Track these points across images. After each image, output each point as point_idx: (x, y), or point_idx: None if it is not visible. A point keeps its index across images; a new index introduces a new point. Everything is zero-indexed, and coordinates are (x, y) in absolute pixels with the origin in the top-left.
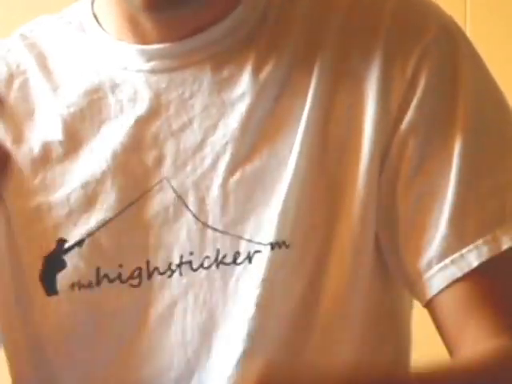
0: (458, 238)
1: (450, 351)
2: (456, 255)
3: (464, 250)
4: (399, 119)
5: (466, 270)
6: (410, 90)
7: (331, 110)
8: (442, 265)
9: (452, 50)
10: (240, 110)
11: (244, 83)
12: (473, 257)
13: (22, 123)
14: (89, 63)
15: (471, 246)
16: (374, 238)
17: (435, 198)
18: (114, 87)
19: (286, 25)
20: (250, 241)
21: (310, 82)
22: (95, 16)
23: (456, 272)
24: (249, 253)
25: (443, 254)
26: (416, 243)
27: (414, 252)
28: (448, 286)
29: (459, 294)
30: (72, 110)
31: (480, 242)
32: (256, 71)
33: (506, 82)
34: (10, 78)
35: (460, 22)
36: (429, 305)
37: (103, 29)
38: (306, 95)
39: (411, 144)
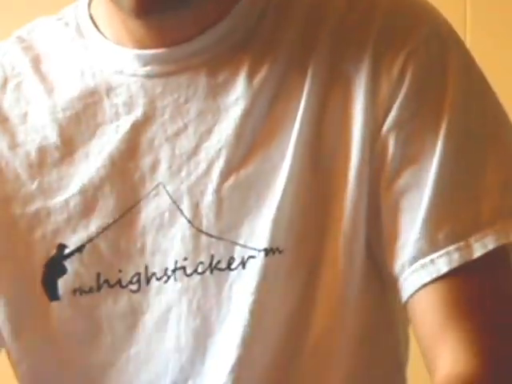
0: (429, 243)
1: (424, 356)
2: (426, 260)
3: (435, 256)
4: (383, 120)
5: (435, 275)
6: (395, 90)
7: (324, 114)
8: (412, 269)
9: (441, 53)
10: (234, 115)
11: (239, 88)
12: (443, 263)
13: (16, 126)
14: (85, 66)
15: (442, 252)
16: (365, 241)
17: (412, 202)
18: (110, 91)
19: (281, 29)
20: (244, 246)
21: (304, 86)
22: (92, 18)
23: (425, 277)
24: (243, 258)
25: (414, 258)
26: (393, 245)
27: (391, 254)
28: (418, 291)
29: (430, 300)
30: (67, 113)
31: (452, 248)
32: (250, 76)
33: (506, 84)
34: (5, 81)
35: (460, 24)
36: (405, 308)
37: (100, 31)
38: (299, 99)
39: (392, 145)
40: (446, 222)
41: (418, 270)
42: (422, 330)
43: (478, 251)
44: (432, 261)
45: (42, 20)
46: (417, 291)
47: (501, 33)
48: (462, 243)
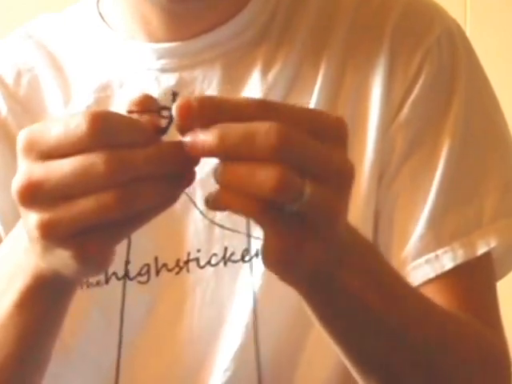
0: (434, 239)
1: None
2: (431, 255)
3: (439, 251)
4: (395, 116)
5: (439, 271)
6: (409, 88)
7: (336, 107)
8: (416, 263)
9: (451, 55)
10: None
11: (253, 82)
12: (447, 259)
13: (37, 120)
14: (97, 62)
15: (447, 248)
16: (373, 233)
17: (416, 198)
18: (123, 85)
19: (295, 23)
20: (258, 238)
21: (316, 80)
22: (101, 15)
23: (429, 272)
24: (257, 250)
25: (419, 253)
26: (392, 239)
27: (390, 247)
28: (420, 286)
29: (430, 293)
30: (79, 108)
31: (456, 244)
32: (265, 70)
33: (505, 81)
34: (18, 75)
35: (460, 22)
36: None
37: (111, 28)
38: (312, 93)
39: (400, 141)
40: (451, 219)
41: (422, 265)
42: None
43: (481, 248)
44: (437, 256)
45: (46, 17)
46: (419, 285)
47: (501, 32)
48: (465, 239)
